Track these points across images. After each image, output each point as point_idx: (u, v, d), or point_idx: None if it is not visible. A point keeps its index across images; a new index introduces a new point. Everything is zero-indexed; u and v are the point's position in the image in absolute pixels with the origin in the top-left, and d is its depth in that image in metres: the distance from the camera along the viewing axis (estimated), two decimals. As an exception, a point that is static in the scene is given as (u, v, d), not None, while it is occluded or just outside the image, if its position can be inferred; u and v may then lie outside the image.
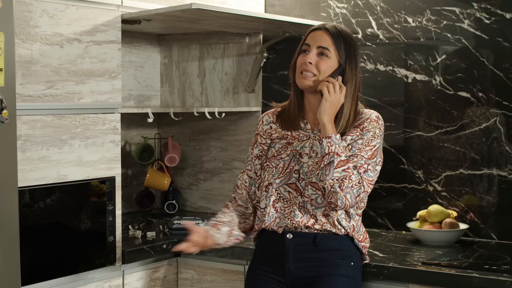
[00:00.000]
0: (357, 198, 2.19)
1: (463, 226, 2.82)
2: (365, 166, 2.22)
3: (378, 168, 2.28)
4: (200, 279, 2.87)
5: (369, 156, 2.24)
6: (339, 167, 2.18)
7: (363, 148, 2.24)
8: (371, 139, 2.26)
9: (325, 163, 2.19)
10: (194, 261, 2.89)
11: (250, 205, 2.44)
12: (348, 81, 2.29)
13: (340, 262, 2.27)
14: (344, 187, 2.16)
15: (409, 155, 3.03)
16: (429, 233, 2.77)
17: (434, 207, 2.83)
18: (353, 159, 2.22)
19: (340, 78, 2.29)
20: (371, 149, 2.25)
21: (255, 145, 2.44)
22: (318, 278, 2.25)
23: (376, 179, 2.28)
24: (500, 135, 2.83)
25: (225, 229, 2.37)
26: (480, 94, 2.86)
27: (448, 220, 2.79)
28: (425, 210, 2.85)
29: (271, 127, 2.42)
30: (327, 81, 2.26)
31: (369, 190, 2.24)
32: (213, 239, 2.34)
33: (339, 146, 2.20)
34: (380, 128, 2.29)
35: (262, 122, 2.45)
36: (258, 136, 2.44)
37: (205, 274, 2.86)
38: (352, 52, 2.31)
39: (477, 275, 2.28)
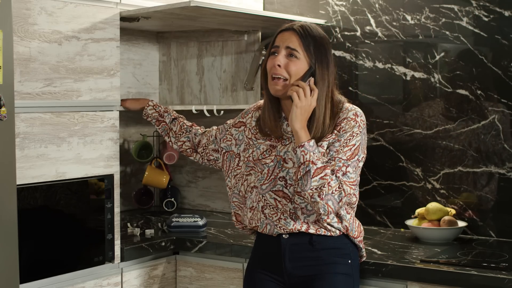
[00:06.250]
0: (340, 203, 2.15)
1: (461, 223, 2.82)
2: (344, 168, 2.16)
3: (361, 164, 2.23)
4: (199, 276, 2.87)
5: (348, 157, 2.18)
6: (316, 176, 2.12)
7: (341, 149, 2.18)
8: (349, 139, 2.19)
9: (302, 173, 2.14)
10: (192, 259, 2.89)
11: (189, 144, 2.63)
12: (319, 83, 2.21)
13: (338, 260, 2.26)
14: (323, 195, 2.12)
15: (408, 153, 3.03)
16: (427, 230, 2.77)
17: (432, 205, 2.83)
18: (331, 162, 2.17)
19: (311, 80, 2.21)
20: (350, 149, 2.19)
21: (234, 127, 2.45)
22: (316, 277, 2.25)
23: (358, 177, 2.22)
24: (499, 132, 2.83)
25: (164, 116, 2.72)
26: (479, 92, 2.86)
27: (446, 217, 2.79)
28: (424, 208, 2.85)
29: (255, 126, 2.37)
30: (298, 85, 2.18)
31: (352, 192, 2.17)
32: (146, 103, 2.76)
33: (313, 154, 2.13)
34: (359, 125, 2.21)
35: (252, 117, 2.41)
36: (244, 127, 2.41)
37: (204, 271, 2.86)
38: (322, 52, 2.23)
39: (475, 273, 2.28)
